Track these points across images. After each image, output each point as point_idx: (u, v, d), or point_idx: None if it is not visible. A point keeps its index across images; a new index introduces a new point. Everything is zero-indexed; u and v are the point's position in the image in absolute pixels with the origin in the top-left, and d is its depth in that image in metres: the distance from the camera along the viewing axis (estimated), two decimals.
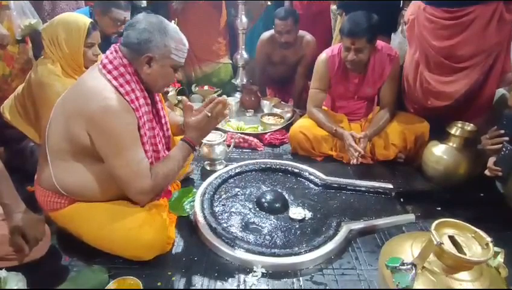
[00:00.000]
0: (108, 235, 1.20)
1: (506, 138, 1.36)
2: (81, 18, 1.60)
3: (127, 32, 1.15)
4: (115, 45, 1.19)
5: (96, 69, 1.16)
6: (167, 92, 2.17)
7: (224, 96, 1.39)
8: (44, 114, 1.60)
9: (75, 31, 1.56)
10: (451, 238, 0.95)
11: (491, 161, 1.45)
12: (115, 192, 1.23)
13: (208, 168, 1.90)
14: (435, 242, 0.90)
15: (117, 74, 1.13)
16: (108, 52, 1.17)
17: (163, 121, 1.36)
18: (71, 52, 1.57)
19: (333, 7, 2.35)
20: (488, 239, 0.92)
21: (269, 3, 2.82)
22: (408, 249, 1.01)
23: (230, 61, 2.97)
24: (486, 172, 1.47)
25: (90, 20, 1.61)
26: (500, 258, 1.10)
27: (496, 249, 1.07)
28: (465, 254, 0.91)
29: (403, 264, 0.96)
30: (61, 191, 1.20)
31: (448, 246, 0.91)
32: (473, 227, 0.97)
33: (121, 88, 1.12)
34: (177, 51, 1.17)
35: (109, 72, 1.13)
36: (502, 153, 1.38)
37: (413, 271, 0.93)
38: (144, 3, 2.66)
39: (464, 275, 0.91)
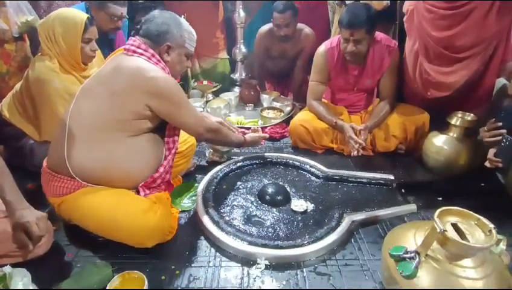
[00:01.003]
0: (113, 220, 1.21)
1: (504, 131, 1.36)
2: (78, 13, 1.59)
3: (146, 26, 1.31)
4: (133, 37, 1.32)
5: (122, 56, 1.29)
6: None
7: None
8: (43, 110, 1.60)
9: (72, 27, 1.55)
10: (454, 225, 0.96)
11: (491, 152, 1.46)
12: (131, 173, 1.30)
13: (210, 156, 1.89)
14: (438, 230, 0.90)
15: (149, 54, 1.29)
16: (130, 41, 1.31)
17: None
18: (68, 47, 1.56)
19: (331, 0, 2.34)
20: (491, 226, 0.92)
21: None
22: (411, 237, 1.01)
23: (228, 56, 2.96)
24: (487, 164, 1.47)
25: (87, 15, 1.60)
26: (503, 246, 1.10)
27: (499, 236, 1.08)
28: (468, 241, 0.91)
29: (406, 252, 0.96)
30: (74, 175, 1.22)
31: (451, 233, 0.92)
32: (475, 214, 0.97)
33: (159, 63, 1.30)
34: (189, 41, 1.37)
35: (141, 54, 1.28)
36: (502, 144, 1.38)
37: (417, 259, 0.94)
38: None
39: (467, 262, 0.91)
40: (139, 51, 1.28)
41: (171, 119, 1.34)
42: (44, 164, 1.31)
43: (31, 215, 1.10)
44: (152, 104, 1.25)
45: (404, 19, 1.93)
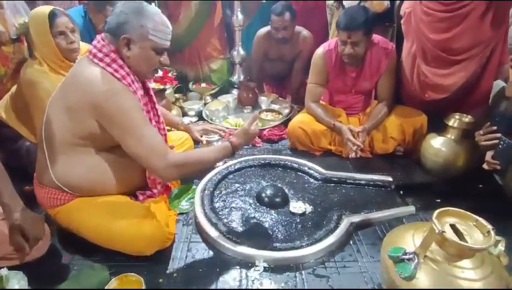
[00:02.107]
0: (109, 230, 1.19)
1: (499, 135, 1.37)
2: (42, 9, 1.56)
3: (109, 19, 1.17)
4: (100, 34, 1.19)
5: (85, 60, 1.17)
6: (164, 90, 2.16)
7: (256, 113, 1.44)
8: (36, 112, 1.59)
9: (38, 23, 1.53)
10: (453, 226, 0.96)
11: (489, 154, 1.46)
12: (117, 183, 1.24)
13: None
14: (437, 231, 0.90)
15: (109, 60, 1.13)
16: (94, 42, 1.18)
17: (154, 100, 1.38)
18: (43, 46, 1.54)
19: (329, 2, 2.35)
20: (489, 227, 0.92)
21: (263, 0, 2.81)
22: (410, 239, 1.01)
23: (226, 57, 2.96)
24: (485, 166, 1.48)
25: (51, 8, 1.56)
26: (501, 247, 1.10)
27: (497, 237, 1.08)
28: (466, 242, 0.91)
29: (405, 254, 0.96)
30: (61, 187, 1.19)
31: (449, 234, 0.91)
32: (474, 215, 0.97)
33: (116, 73, 1.13)
34: (155, 32, 1.15)
35: (101, 60, 1.13)
36: (500, 147, 1.39)
37: (416, 260, 0.93)
38: None
39: (465, 262, 0.91)
40: (99, 55, 1.14)
41: (122, 145, 1.16)
42: (35, 175, 1.28)
43: (28, 218, 1.09)
44: (103, 125, 1.13)
45: (402, 21, 1.94)
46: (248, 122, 1.32)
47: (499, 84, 1.82)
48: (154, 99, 1.39)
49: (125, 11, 1.13)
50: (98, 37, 1.18)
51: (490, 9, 1.62)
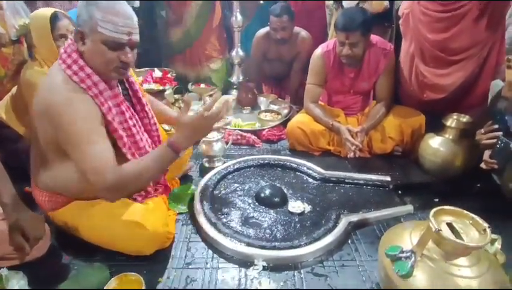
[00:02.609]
0: (108, 231, 1.20)
1: (500, 133, 1.38)
2: (44, 11, 1.56)
3: None
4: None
5: (56, 62, 1.13)
6: (164, 91, 2.17)
7: (225, 96, 1.33)
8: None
9: (40, 26, 1.52)
10: (449, 225, 0.97)
11: (487, 154, 1.47)
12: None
13: (207, 165, 1.90)
14: (434, 229, 0.91)
15: (70, 61, 1.08)
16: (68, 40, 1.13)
17: (143, 102, 1.31)
18: (43, 47, 1.54)
19: (329, 2, 2.36)
20: (485, 225, 0.93)
21: (261, 2, 2.82)
22: (407, 237, 1.02)
23: (225, 58, 2.97)
24: (483, 165, 1.49)
25: (53, 10, 1.56)
26: (498, 245, 1.12)
27: (493, 236, 1.09)
28: (463, 240, 0.92)
29: (402, 252, 0.97)
30: (55, 190, 1.19)
31: (446, 232, 0.92)
32: (470, 214, 0.98)
33: (74, 76, 1.06)
34: (105, 23, 1.03)
35: (64, 61, 1.08)
36: (498, 146, 1.39)
37: (413, 258, 0.94)
38: (137, 4, 2.66)
39: (462, 260, 0.92)
40: (63, 56, 1.08)
41: (69, 153, 1.09)
42: (32, 181, 1.28)
43: (28, 218, 1.09)
44: (52, 129, 1.07)
45: (400, 21, 1.95)
46: (204, 106, 1.15)
47: (497, 84, 1.83)
48: (144, 100, 1.31)
49: (82, 2, 1.05)
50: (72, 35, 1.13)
51: (487, 10, 1.63)
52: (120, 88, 1.23)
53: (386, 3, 2.08)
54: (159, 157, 1.14)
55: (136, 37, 1.10)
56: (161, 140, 1.38)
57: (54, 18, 1.53)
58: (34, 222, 1.11)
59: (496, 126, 1.41)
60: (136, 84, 1.32)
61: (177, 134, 1.14)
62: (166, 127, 2.24)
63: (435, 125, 1.82)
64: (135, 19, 1.10)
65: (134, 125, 1.22)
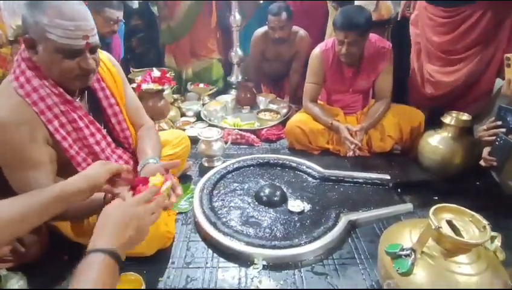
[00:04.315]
0: None
1: (503, 129, 1.38)
2: None
3: None
4: None
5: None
6: (162, 90, 2.17)
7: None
8: None
9: None
10: (449, 222, 0.97)
11: (486, 151, 1.47)
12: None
13: (206, 164, 1.90)
14: (433, 226, 0.91)
15: (19, 71, 0.96)
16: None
17: (110, 112, 1.16)
18: None
19: (330, 2, 2.38)
20: (485, 222, 0.93)
21: (261, 2, 2.82)
22: (407, 235, 1.02)
23: (220, 57, 2.97)
24: (482, 162, 1.49)
25: None
26: (497, 242, 1.11)
27: (493, 233, 1.09)
28: (463, 237, 0.92)
29: (402, 249, 0.97)
30: None
31: (446, 229, 0.92)
32: (469, 211, 0.98)
33: (20, 89, 0.95)
34: (53, 29, 0.89)
35: (14, 71, 0.97)
36: (496, 143, 1.39)
37: (413, 256, 0.94)
38: (136, 4, 2.66)
39: (462, 258, 0.92)
40: (15, 65, 0.98)
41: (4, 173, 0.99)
42: None
43: None
44: None
45: (410, 21, 2.08)
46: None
47: (498, 82, 1.85)
48: (110, 110, 1.17)
49: (26, 4, 0.91)
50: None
51: (484, 16, 1.74)
52: (84, 100, 1.10)
53: (393, 10, 2.16)
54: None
55: (94, 39, 0.97)
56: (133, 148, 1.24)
57: None
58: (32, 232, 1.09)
59: (499, 122, 1.41)
60: (104, 90, 1.16)
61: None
62: (166, 126, 2.23)
63: (435, 123, 1.83)
64: (90, 18, 0.97)
65: (97, 143, 1.10)
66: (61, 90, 1.01)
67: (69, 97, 1.03)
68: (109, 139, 1.17)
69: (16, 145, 0.93)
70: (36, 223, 0.76)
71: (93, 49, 0.99)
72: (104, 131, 1.15)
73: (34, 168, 0.97)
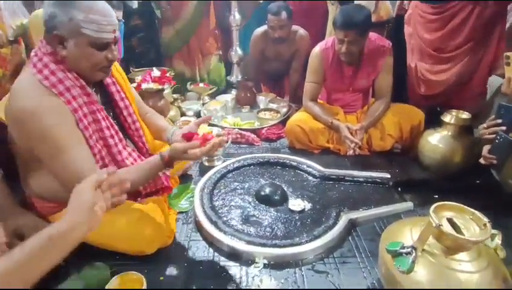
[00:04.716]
0: (108, 232, 1.18)
1: (504, 127, 1.38)
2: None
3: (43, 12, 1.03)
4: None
5: (26, 66, 1.07)
6: (162, 90, 2.17)
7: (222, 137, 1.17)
8: None
9: (40, 26, 1.49)
10: (450, 220, 0.97)
11: (486, 149, 1.47)
12: None
13: (206, 163, 1.90)
14: (434, 224, 0.91)
15: (41, 65, 1.01)
16: (38, 44, 1.07)
17: (125, 113, 1.25)
18: None
19: (330, 2, 2.38)
20: (486, 220, 0.93)
21: (261, 1, 2.82)
22: (408, 233, 1.02)
23: (218, 54, 2.97)
24: (481, 160, 1.49)
25: None
26: (498, 240, 1.12)
27: (494, 231, 1.10)
28: (463, 235, 0.92)
29: (403, 247, 0.97)
30: (43, 197, 1.15)
31: (447, 227, 0.93)
32: (470, 209, 0.98)
33: (45, 81, 1.00)
34: (88, 24, 0.98)
35: (34, 65, 1.02)
36: (497, 141, 1.39)
37: (414, 254, 0.94)
38: (136, 4, 2.66)
39: (462, 255, 0.92)
40: (34, 60, 1.02)
41: (48, 169, 1.04)
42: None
43: (29, 223, 1.08)
44: (23, 138, 1.02)
45: (405, 19, 2.09)
46: (186, 145, 1.10)
47: (496, 80, 1.85)
48: (122, 103, 1.25)
49: (54, 2, 0.97)
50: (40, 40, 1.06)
51: (472, 14, 1.75)
52: (98, 94, 1.16)
53: (392, 11, 2.16)
54: (148, 168, 1.10)
55: (118, 33, 1.08)
56: (147, 147, 1.33)
57: None
58: (33, 230, 1.08)
59: (499, 121, 1.41)
60: (115, 84, 1.24)
61: (171, 152, 1.10)
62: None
63: (432, 122, 1.83)
64: (114, 13, 1.06)
65: (112, 136, 1.15)
66: (83, 82, 1.07)
67: (89, 90, 1.09)
68: (121, 135, 1.21)
69: (52, 129, 0.98)
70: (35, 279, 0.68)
71: (116, 42, 1.08)
72: (116, 128, 1.19)
73: (74, 147, 1.02)
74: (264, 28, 2.55)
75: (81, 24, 0.97)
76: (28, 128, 0.98)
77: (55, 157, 1.00)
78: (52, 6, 0.98)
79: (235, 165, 1.82)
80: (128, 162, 1.18)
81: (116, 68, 1.29)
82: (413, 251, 0.95)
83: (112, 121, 1.18)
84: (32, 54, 1.04)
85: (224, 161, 1.89)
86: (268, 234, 1.37)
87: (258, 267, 1.23)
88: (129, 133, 1.29)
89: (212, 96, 2.78)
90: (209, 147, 1.09)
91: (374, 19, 2.02)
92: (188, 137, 1.18)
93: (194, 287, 1.16)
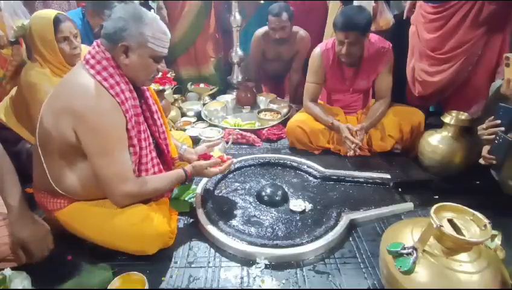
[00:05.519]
0: (111, 231, 1.20)
1: (502, 128, 1.39)
2: (46, 12, 1.55)
3: (106, 23, 1.14)
4: (97, 40, 1.17)
5: (80, 66, 1.15)
6: (163, 91, 2.17)
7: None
8: (36, 114, 1.59)
9: (43, 28, 1.52)
10: (450, 221, 0.98)
11: (485, 150, 1.48)
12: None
13: None
14: (435, 225, 0.92)
15: (100, 68, 1.11)
16: (90, 47, 1.16)
17: (155, 116, 1.35)
18: (46, 49, 1.53)
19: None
20: (486, 221, 0.94)
21: (261, 2, 2.83)
22: (408, 234, 1.03)
23: (218, 57, 2.98)
24: (481, 161, 1.50)
25: (56, 12, 1.55)
26: (498, 241, 1.12)
27: (494, 231, 1.10)
28: (464, 236, 0.93)
29: (404, 248, 0.98)
30: (58, 190, 1.18)
31: (447, 228, 0.93)
32: (470, 210, 0.99)
33: (104, 82, 1.10)
34: (155, 40, 1.13)
35: (92, 67, 1.11)
36: (496, 142, 1.40)
37: (414, 255, 0.95)
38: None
39: (463, 256, 0.93)
40: (92, 62, 1.11)
41: (89, 160, 1.13)
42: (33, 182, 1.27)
43: (34, 237, 1.08)
44: (77, 132, 1.09)
45: (411, 21, 2.10)
46: (209, 162, 1.39)
47: (499, 81, 1.85)
48: (154, 107, 1.35)
49: (124, 17, 1.10)
50: (95, 42, 1.16)
51: (469, 14, 1.76)
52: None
53: (392, 20, 2.17)
54: (174, 179, 1.31)
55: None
56: (169, 150, 1.42)
57: (57, 20, 1.52)
58: (42, 237, 1.11)
59: (498, 121, 1.42)
60: (148, 90, 1.36)
61: (192, 169, 1.36)
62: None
63: (429, 123, 1.85)
64: (169, 34, 1.20)
65: (145, 139, 1.24)
66: (132, 87, 1.19)
67: (135, 95, 1.20)
68: (151, 139, 1.30)
69: (108, 127, 1.10)
70: None
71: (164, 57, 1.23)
72: (148, 132, 1.29)
73: (122, 148, 1.15)
74: (264, 28, 2.56)
75: (148, 39, 1.12)
76: (86, 123, 1.07)
77: (103, 154, 1.10)
78: (123, 19, 1.10)
79: (236, 166, 1.83)
80: (149, 167, 1.27)
81: None
82: (414, 251, 0.96)
83: (146, 126, 1.28)
84: (88, 56, 1.13)
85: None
86: (270, 234, 1.37)
87: (259, 267, 1.23)
88: (155, 136, 1.37)
89: (213, 96, 2.79)
90: (225, 165, 1.42)
91: (373, 28, 2.03)
92: (205, 158, 1.47)
93: (196, 288, 1.16)
